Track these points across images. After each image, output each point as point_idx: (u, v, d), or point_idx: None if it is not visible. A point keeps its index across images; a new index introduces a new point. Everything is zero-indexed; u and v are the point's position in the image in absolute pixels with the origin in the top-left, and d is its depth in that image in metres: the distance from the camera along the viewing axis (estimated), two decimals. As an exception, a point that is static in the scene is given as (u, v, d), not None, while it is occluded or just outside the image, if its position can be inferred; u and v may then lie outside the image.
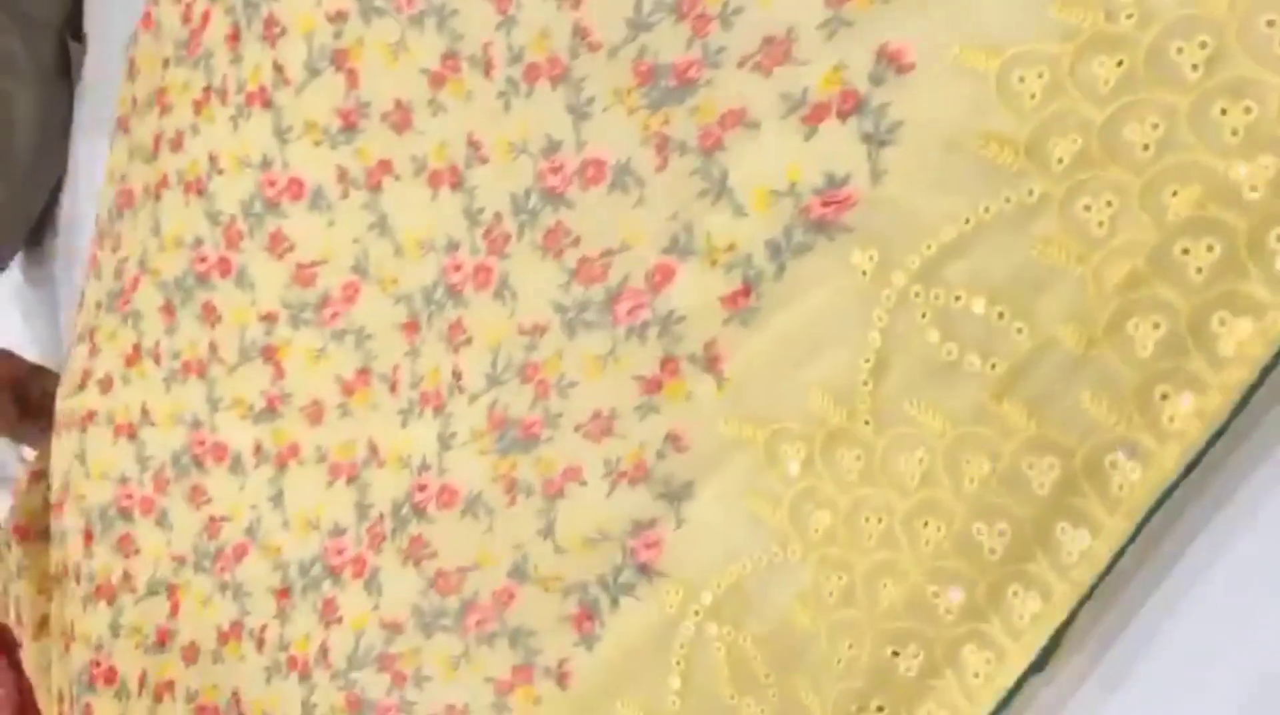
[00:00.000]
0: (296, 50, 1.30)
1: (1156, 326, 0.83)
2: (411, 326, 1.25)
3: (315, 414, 1.35)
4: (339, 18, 1.26)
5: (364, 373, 1.29)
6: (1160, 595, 0.90)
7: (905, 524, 0.94)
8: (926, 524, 0.93)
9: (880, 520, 0.95)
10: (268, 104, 1.35)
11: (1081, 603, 0.89)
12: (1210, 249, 0.81)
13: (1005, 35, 0.88)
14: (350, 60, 1.26)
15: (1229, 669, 0.87)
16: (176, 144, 1.46)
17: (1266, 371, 0.82)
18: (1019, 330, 0.89)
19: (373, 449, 1.28)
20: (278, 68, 1.33)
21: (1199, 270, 0.82)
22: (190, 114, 1.44)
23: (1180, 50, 0.82)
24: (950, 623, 0.92)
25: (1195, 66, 0.82)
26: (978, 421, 0.91)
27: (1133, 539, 0.87)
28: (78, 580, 1.59)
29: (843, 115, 0.95)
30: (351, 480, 1.31)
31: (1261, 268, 0.80)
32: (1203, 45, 0.81)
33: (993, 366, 0.90)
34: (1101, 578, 0.88)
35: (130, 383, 1.54)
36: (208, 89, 1.42)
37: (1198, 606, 0.88)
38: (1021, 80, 0.87)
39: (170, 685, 1.47)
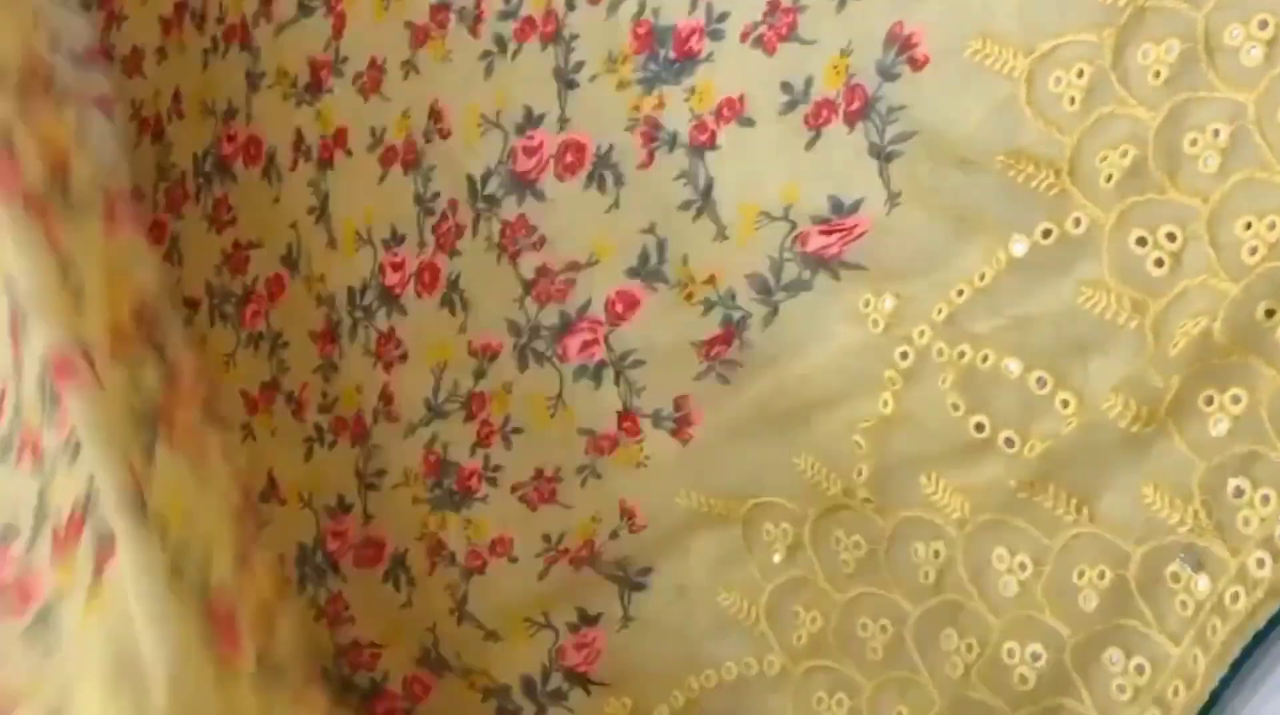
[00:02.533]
0: (296, -23, 1.19)
1: (1237, 401, 0.71)
2: (326, 336, 1.13)
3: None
4: (346, -55, 1.14)
5: (270, 388, 1.17)
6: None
7: (918, 636, 0.83)
8: (950, 638, 0.82)
9: (885, 629, 0.84)
10: (247, 42, 1.24)
11: None
12: None
13: (1034, 25, 0.74)
14: (343, 1, 1.15)
15: None
16: (133, 67, 1.35)
17: None
18: (1064, 403, 0.76)
19: (272, 482, 1.17)
20: (266, -1, 1.23)
21: None
22: (157, 33, 1.33)
23: (1237, 33, 0.68)
24: None
25: (1255, 51, 0.68)
26: (1009, 511, 0.79)
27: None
28: None
29: (849, 120, 0.82)
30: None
31: None
32: (1262, 25, 0.67)
33: (1030, 447, 0.77)
34: None
35: None
36: (182, 7, 1.31)
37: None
38: (1058, 83, 0.74)
39: None
